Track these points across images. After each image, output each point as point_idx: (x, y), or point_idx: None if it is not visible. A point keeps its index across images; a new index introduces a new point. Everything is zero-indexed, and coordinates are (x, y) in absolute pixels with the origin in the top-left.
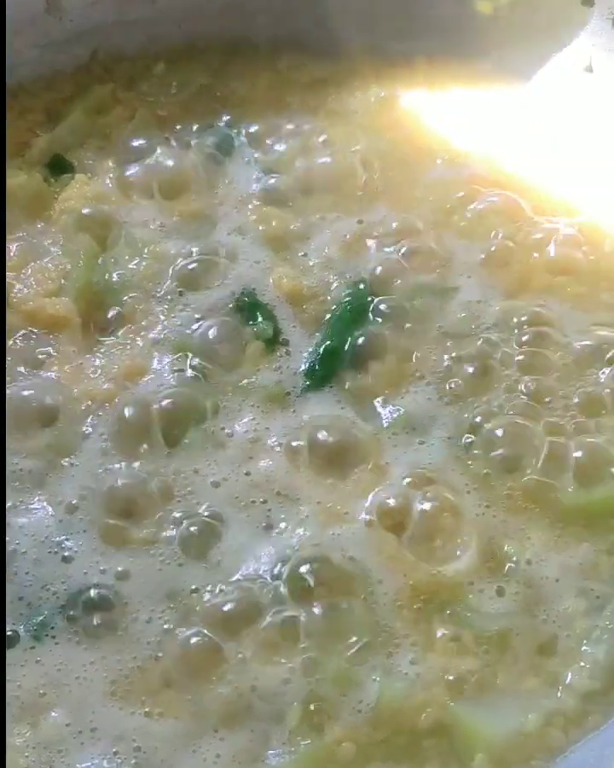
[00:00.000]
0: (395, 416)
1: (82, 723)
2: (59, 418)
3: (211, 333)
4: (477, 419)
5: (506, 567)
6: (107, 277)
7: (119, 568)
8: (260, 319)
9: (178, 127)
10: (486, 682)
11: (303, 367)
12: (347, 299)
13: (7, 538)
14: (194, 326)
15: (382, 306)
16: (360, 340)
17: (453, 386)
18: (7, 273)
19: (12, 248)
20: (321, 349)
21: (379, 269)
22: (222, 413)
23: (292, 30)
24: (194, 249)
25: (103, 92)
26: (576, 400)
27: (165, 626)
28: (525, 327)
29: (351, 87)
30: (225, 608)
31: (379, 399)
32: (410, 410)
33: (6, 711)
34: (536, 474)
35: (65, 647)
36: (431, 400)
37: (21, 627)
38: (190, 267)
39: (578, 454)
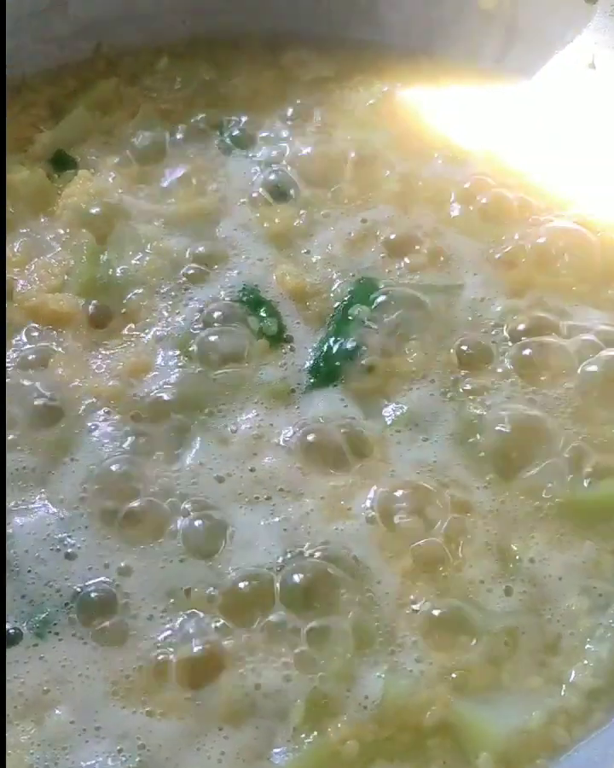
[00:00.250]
0: (399, 413)
1: (86, 720)
2: (62, 415)
3: (215, 329)
4: (481, 416)
5: (510, 566)
6: (110, 273)
7: (122, 565)
8: (264, 316)
9: (181, 123)
10: (490, 680)
11: (307, 364)
12: (350, 296)
13: (8, 535)
14: (198, 322)
15: (385, 304)
16: (363, 338)
17: (457, 383)
18: (10, 269)
19: (15, 244)
20: (325, 346)
21: (382, 266)
22: (226, 409)
23: (295, 26)
24: (198, 246)
25: (107, 87)
26: (582, 398)
27: (168, 623)
28: (530, 324)
29: (354, 84)
30: (228, 605)
31: (383, 396)
32: (414, 407)
33: (5, 709)
34: (540, 471)
35: (68, 644)
36: (435, 397)
37: (24, 625)
38: (193, 263)
39: (583, 452)
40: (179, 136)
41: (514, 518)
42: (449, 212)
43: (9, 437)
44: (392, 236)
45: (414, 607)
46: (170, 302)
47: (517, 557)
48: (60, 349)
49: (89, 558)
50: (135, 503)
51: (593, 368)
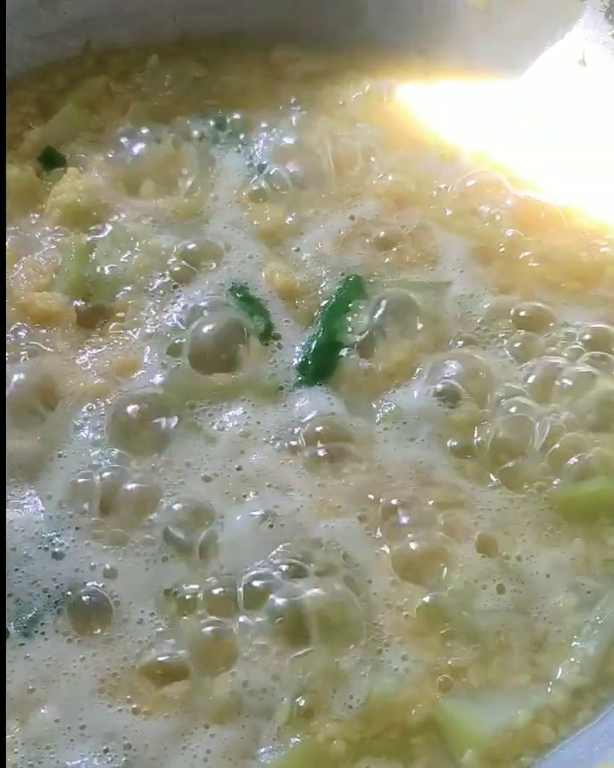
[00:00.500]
0: (387, 410)
1: (72, 719)
2: (50, 413)
3: (204, 327)
4: (469, 414)
5: (499, 564)
6: (98, 272)
7: (110, 565)
8: (253, 314)
9: (171, 120)
10: (476, 678)
11: (295, 362)
12: (339, 293)
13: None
14: (186, 321)
15: (374, 301)
16: (352, 335)
17: (445, 380)
18: None
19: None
20: (313, 344)
21: (371, 263)
22: (213, 407)
23: (286, 23)
24: (187, 244)
25: (96, 85)
26: (570, 396)
27: (155, 623)
28: (518, 321)
29: (345, 80)
30: (215, 604)
31: (372, 394)
32: (402, 405)
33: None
34: (529, 469)
35: (54, 643)
36: (423, 395)
37: (11, 623)
38: (182, 262)
39: (572, 449)
40: (169, 133)
41: (503, 516)
42: (439, 209)
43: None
44: (382, 234)
45: (402, 605)
46: (159, 300)
47: (504, 555)
48: (48, 347)
49: (77, 558)
50: (122, 502)
51: (583, 366)
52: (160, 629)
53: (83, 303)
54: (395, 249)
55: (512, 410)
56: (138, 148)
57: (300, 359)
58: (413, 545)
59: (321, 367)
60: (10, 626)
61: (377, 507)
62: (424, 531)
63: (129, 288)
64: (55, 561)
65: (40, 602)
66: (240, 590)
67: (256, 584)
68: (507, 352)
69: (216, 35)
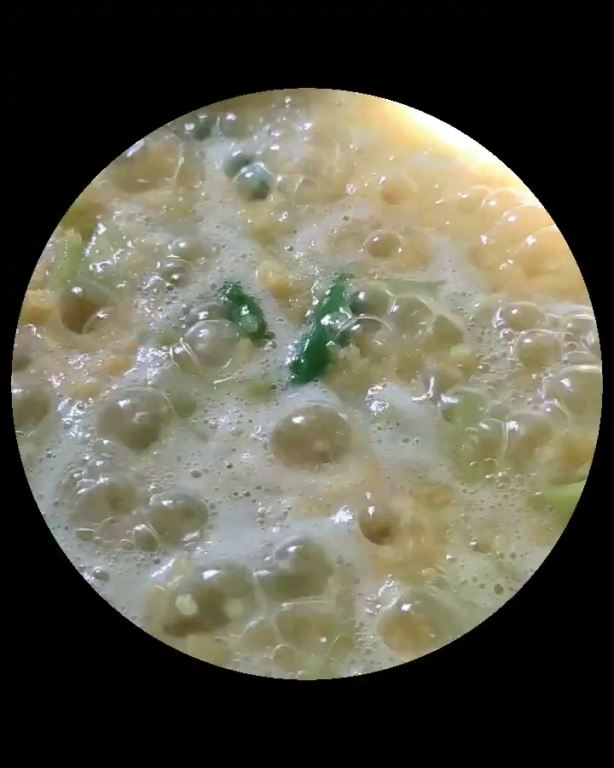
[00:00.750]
0: (381, 410)
1: None
2: (41, 412)
3: (197, 326)
4: (463, 413)
5: (493, 562)
6: (91, 270)
7: (99, 566)
8: (246, 313)
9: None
10: None
11: (288, 361)
12: (332, 292)
13: None
14: (180, 319)
15: (367, 300)
16: (345, 335)
17: (439, 380)
18: None
19: None
20: (306, 342)
21: (364, 263)
22: (206, 406)
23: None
24: (180, 242)
25: None
26: (565, 394)
27: (147, 623)
28: (511, 320)
29: None
30: (206, 604)
31: (365, 393)
32: (396, 404)
33: None
34: (523, 467)
35: None
36: (417, 394)
37: None
38: (176, 260)
39: (565, 448)
40: (162, 132)
41: (497, 514)
42: (433, 209)
43: None
44: (375, 233)
45: (393, 605)
46: (152, 299)
47: (499, 552)
48: (39, 346)
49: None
50: (113, 502)
51: (578, 365)
52: (151, 628)
53: (75, 301)
54: (388, 248)
55: (506, 408)
56: (132, 145)
57: (293, 358)
58: (404, 545)
59: (314, 366)
60: None
61: (369, 506)
62: (417, 530)
63: (122, 285)
64: None
65: None
66: (230, 589)
67: (245, 584)
68: (501, 351)
69: None
